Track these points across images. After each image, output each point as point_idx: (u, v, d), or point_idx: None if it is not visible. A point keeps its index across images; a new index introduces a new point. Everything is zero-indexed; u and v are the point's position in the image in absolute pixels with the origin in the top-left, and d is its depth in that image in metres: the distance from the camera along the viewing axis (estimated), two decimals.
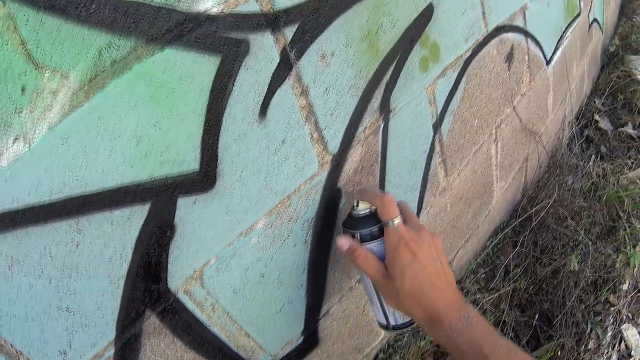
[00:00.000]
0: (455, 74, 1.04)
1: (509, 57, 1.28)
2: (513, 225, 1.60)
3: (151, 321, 0.61)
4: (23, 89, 0.42)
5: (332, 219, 0.84)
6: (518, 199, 1.71)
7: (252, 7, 0.60)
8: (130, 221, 0.54)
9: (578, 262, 1.50)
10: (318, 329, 0.93)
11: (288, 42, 0.65)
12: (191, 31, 0.53)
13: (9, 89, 0.41)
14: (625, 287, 1.60)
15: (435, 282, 0.60)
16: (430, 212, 1.13)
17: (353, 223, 0.70)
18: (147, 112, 0.51)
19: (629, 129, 2.14)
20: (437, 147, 1.05)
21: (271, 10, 0.62)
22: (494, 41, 1.18)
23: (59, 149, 0.46)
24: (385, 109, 0.86)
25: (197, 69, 0.55)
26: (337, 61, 0.74)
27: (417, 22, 0.89)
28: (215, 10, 0.55)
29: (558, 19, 1.66)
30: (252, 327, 0.77)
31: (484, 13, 1.10)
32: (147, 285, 0.59)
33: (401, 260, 0.61)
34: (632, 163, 1.97)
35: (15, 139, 0.43)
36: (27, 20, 0.41)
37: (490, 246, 1.53)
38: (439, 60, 0.97)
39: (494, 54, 1.19)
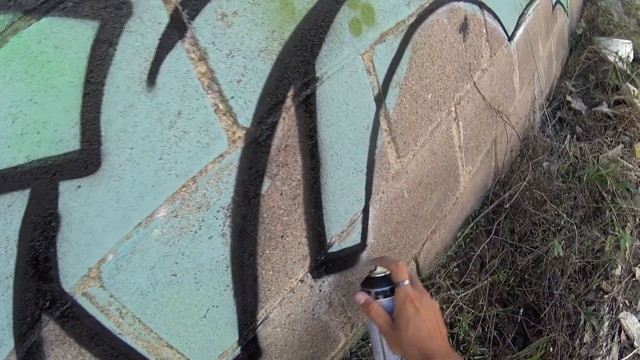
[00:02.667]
0: (398, 41, 0.94)
1: (463, 28, 1.19)
2: (486, 212, 1.48)
3: (50, 328, 0.55)
4: None
5: (255, 207, 0.72)
6: (490, 185, 1.60)
7: None
8: (11, 210, 0.50)
9: (562, 248, 1.38)
10: (258, 338, 0.81)
11: (179, 1, 0.58)
12: None
13: None
14: (617, 272, 1.48)
15: (432, 333, 0.72)
16: (384, 199, 1.01)
17: (370, 282, 0.81)
18: (22, 86, 0.48)
19: (604, 108, 2.05)
20: (383, 124, 0.94)
21: None
22: (443, 9, 1.09)
23: None
24: (310, 75, 0.76)
25: (74, 36, 0.50)
26: (242, 21, 0.66)
27: None
28: None
29: None
30: (173, 336, 0.67)
31: None
32: (39, 285, 0.53)
33: (407, 313, 0.73)
34: (611, 141, 1.88)
35: None
36: None
37: (462, 237, 1.40)
38: (374, 24, 0.86)
39: (444, 23, 1.09)
